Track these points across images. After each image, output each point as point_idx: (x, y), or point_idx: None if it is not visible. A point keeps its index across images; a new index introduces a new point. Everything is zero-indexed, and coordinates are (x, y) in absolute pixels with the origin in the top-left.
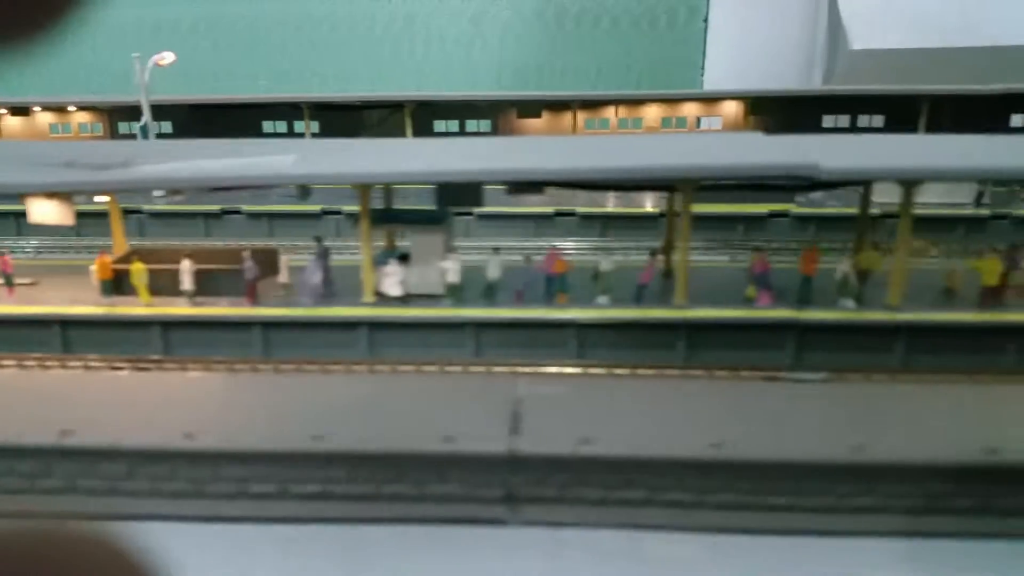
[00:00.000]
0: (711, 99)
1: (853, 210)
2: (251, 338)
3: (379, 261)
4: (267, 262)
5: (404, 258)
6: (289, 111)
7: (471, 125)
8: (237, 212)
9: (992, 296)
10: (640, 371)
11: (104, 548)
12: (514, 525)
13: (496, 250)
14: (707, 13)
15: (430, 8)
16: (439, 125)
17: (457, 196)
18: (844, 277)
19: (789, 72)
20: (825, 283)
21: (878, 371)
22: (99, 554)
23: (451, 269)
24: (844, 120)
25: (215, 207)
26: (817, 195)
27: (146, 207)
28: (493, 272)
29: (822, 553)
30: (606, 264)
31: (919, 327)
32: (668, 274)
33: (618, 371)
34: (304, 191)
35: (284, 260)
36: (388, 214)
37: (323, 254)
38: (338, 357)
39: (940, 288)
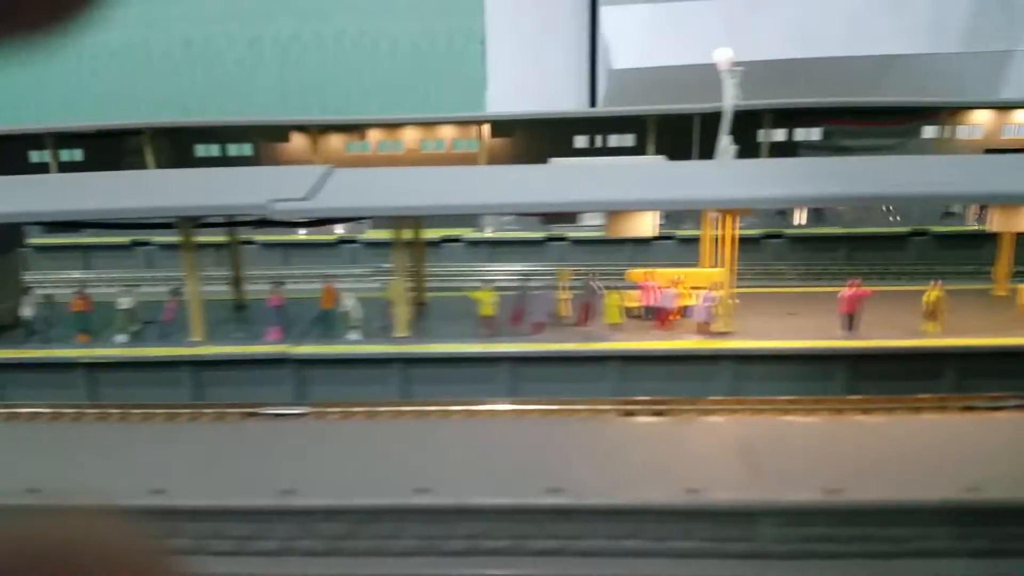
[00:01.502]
0: (464, 122)
1: (530, 235)
2: None
3: None
4: None
5: None
6: (54, 140)
7: (232, 149)
8: None
9: (492, 326)
10: (137, 411)
11: (120, 537)
12: None
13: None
14: (483, 35)
15: (207, 33)
16: (200, 149)
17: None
18: (347, 311)
19: (568, 92)
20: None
21: (372, 404)
22: (116, 543)
23: None
24: (596, 140)
25: None
26: (505, 219)
27: None
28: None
29: None
30: (125, 302)
31: (416, 359)
32: (241, 307)
33: (111, 411)
34: None
35: None
36: None
37: None
38: None
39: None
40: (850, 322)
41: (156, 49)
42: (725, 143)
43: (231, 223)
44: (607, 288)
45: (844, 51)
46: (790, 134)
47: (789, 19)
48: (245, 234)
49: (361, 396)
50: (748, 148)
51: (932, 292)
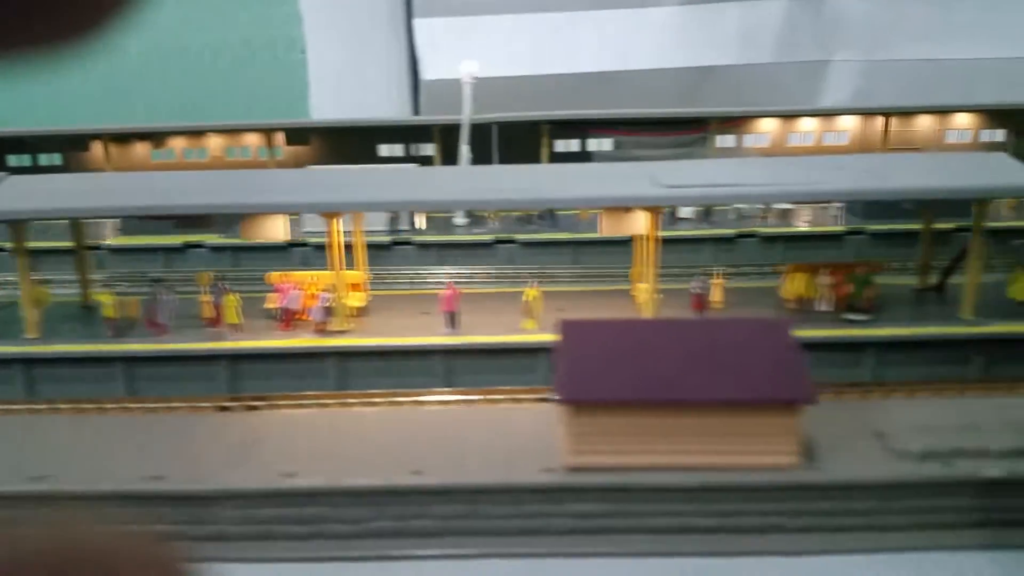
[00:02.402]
0: (266, 129)
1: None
2: None
3: None
4: None
5: None
6: None
7: (43, 159)
8: None
9: (115, 327)
10: None
11: (137, 550)
12: None
13: None
14: (304, 44)
15: None
16: (12, 160)
17: None
18: None
19: (390, 100)
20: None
21: None
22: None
23: None
24: (399, 149)
25: None
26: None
27: None
28: None
29: None
30: None
31: (37, 359)
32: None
33: None
34: None
35: None
36: None
37: None
38: None
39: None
40: (451, 320)
41: None
42: (464, 152)
43: None
44: (230, 291)
45: (660, 63)
46: (583, 144)
47: (604, 33)
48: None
49: None
50: (534, 157)
51: (530, 292)
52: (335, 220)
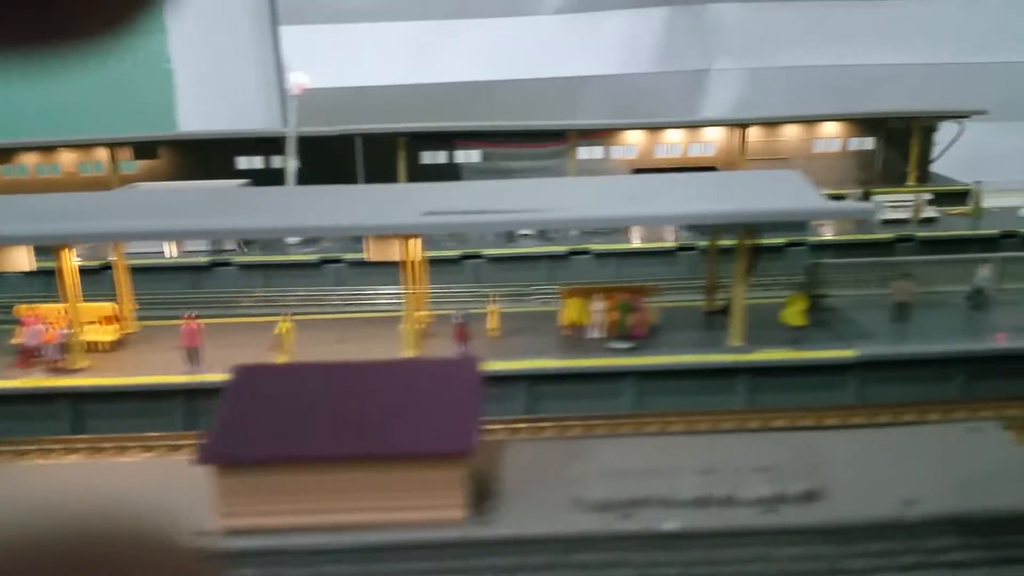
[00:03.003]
0: (111, 144)
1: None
2: None
3: None
4: None
5: None
6: None
7: None
8: None
9: None
10: None
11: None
12: None
13: None
14: (169, 55)
15: None
16: None
17: None
18: None
19: (258, 112)
20: None
21: None
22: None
23: None
24: (258, 161)
25: None
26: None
27: None
28: None
29: None
30: None
31: None
32: None
33: None
34: None
35: None
36: None
37: None
38: None
39: None
40: (195, 356)
41: None
42: (290, 168)
43: None
44: None
45: (539, 73)
46: (451, 156)
47: (481, 42)
48: None
49: None
50: (389, 172)
51: (282, 325)
52: (63, 251)
